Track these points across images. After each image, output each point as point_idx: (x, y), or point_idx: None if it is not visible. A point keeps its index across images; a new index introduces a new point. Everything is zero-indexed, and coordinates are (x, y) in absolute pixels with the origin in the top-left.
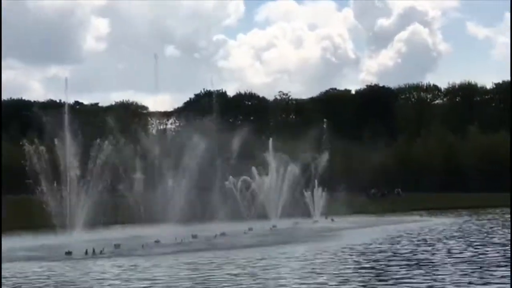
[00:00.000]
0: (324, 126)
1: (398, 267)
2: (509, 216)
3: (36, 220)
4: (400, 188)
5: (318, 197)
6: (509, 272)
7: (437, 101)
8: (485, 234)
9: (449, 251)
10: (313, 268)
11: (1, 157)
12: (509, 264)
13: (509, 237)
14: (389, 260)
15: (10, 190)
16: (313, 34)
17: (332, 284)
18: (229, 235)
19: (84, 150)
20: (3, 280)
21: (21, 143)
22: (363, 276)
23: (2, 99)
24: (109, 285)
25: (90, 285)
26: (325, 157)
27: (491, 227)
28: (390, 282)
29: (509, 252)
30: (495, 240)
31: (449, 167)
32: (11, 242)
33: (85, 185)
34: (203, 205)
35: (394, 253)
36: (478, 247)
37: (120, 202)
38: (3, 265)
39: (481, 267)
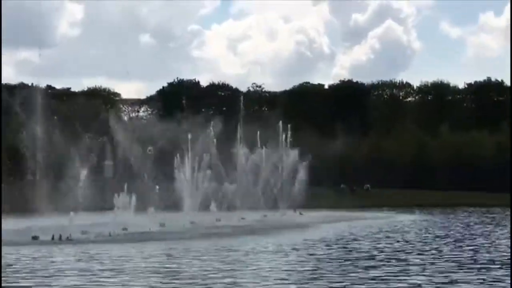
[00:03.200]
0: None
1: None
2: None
3: (7, 204)
4: (369, 183)
5: (287, 190)
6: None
7: (409, 99)
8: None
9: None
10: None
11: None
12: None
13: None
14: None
15: None
16: (288, 27)
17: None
18: (198, 224)
19: (52, 136)
20: None
21: None
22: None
23: None
24: (60, 272)
25: (45, 273)
26: (293, 156)
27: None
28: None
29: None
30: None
31: (419, 164)
32: None
33: (55, 170)
34: (169, 194)
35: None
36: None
37: (89, 188)
38: None
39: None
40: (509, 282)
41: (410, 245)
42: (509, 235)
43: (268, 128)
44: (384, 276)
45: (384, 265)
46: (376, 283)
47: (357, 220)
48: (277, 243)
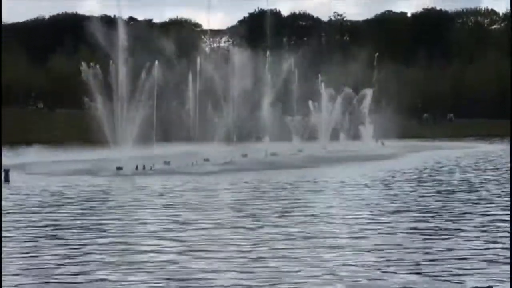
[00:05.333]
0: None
1: None
2: None
3: (89, 135)
4: (453, 113)
5: (368, 120)
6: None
7: (494, 26)
8: None
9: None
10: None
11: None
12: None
13: None
14: None
15: (63, 104)
16: None
17: None
18: (279, 155)
19: (137, 67)
20: (48, 194)
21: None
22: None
23: (55, 14)
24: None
25: (132, 201)
26: (375, 86)
27: None
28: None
29: None
30: None
31: (502, 94)
32: (63, 155)
33: (138, 101)
34: (252, 125)
35: None
36: None
37: (172, 120)
38: (55, 178)
39: None
40: None
41: None
42: None
43: (349, 57)
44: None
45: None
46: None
47: (447, 149)
48: (372, 173)
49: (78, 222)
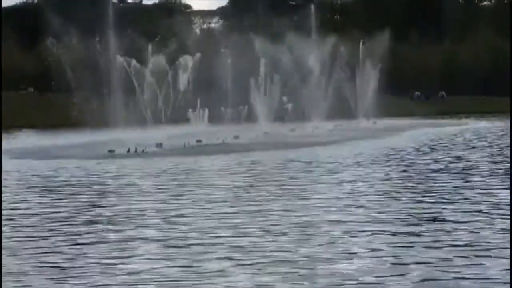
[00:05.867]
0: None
1: None
2: None
3: (80, 118)
4: (444, 91)
5: (361, 98)
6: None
7: (485, 3)
8: None
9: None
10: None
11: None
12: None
13: None
14: None
15: (51, 87)
16: None
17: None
18: (271, 135)
19: (128, 49)
20: (38, 178)
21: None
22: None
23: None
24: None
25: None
26: (367, 64)
27: None
28: None
29: None
30: None
31: (494, 71)
32: (55, 139)
33: (130, 82)
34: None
35: None
36: None
37: (162, 101)
38: (46, 162)
39: None
40: None
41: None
42: None
43: (340, 37)
44: None
45: None
46: None
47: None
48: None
49: (69, 204)
